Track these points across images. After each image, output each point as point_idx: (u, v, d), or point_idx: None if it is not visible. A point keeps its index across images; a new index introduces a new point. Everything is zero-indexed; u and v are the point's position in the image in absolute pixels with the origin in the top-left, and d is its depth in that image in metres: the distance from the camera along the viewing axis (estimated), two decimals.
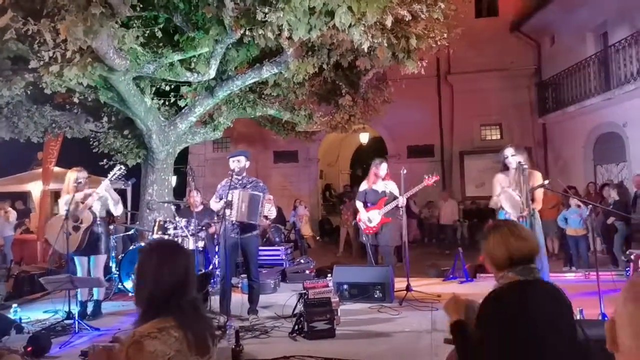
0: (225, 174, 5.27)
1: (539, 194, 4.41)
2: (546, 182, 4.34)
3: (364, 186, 6.32)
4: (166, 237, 6.28)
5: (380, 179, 6.17)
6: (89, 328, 4.62)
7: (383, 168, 6.24)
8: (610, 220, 8.19)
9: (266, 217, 5.10)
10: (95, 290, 5.29)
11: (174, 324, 1.62)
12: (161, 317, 1.64)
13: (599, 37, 12.06)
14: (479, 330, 1.90)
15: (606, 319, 4.04)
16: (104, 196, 5.24)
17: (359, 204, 6.21)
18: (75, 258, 5.26)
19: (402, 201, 5.96)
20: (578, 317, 3.78)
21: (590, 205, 5.28)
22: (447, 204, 12.54)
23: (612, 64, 10.80)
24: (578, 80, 12.09)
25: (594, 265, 7.47)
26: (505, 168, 4.58)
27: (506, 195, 4.31)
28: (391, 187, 6.12)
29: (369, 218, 6.02)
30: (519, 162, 4.21)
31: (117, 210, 5.39)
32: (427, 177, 6.04)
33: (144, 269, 1.73)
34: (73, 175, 5.24)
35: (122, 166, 5.39)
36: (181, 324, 1.62)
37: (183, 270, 1.74)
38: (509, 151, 4.52)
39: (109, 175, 5.29)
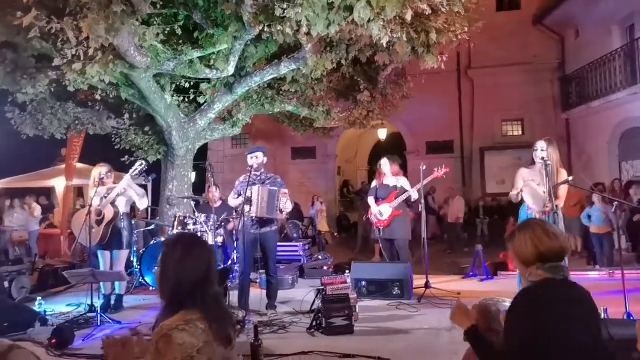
0: (244, 170, 5.29)
1: (563, 190, 4.30)
2: (570, 178, 4.23)
3: (374, 184, 6.33)
4: (186, 232, 6.36)
5: (390, 175, 6.14)
6: (111, 321, 4.70)
7: (383, 163, 6.22)
8: (637, 217, 8.00)
9: (281, 211, 5.11)
10: (117, 284, 5.38)
11: (199, 316, 1.65)
12: (186, 310, 1.67)
13: (625, 30, 11.74)
14: (508, 329, 1.87)
15: (632, 318, 3.94)
16: (126, 191, 5.31)
17: (370, 200, 6.19)
18: (99, 252, 5.35)
19: (414, 194, 5.93)
20: (603, 317, 3.70)
21: (616, 203, 5.12)
22: (454, 201, 12.26)
23: (639, 58, 10.50)
24: (603, 74, 11.79)
25: (618, 263, 7.33)
26: (532, 162, 4.49)
27: (529, 189, 4.22)
28: (402, 182, 6.11)
29: (380, 212, 6.00)
30: (543, 158, 4.11)
31: (143, 204, 5.45)
32: (436, 169, 6.00)
33: (167, 262, 1.76)
34: (97, 171, 5.35)
35: (143, 161, 5.44)
36: (205, 316, 1.66)
37: (206, 263, 1.77)
38: (540, 144, 4.40)
39: (130, 171, 5.35)
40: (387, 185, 6.14)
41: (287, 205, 5.14)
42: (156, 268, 1.91)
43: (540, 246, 1.94)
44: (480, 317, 2.52)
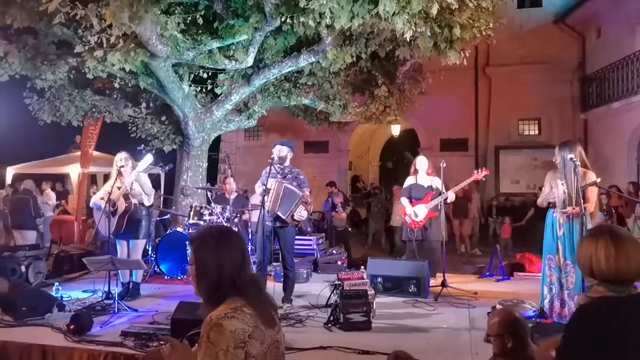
0: (256, 162, 5.26)
1: (592, 193, 4.19)
2: (598, 180, 4.14)
3: (409, 181, 6.22)
4: (201, 222, 6.36)
5: (424, 174, 6.04)
6: (127, 309, 4.71)
7: (419, 161, 6.15)
8: None
9: (293, 218, 5.00)
10: (133, 272, 5.39)
11: (244, 302, 1.68)
12: (229, 299, 1.69)
13: None
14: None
15: None
16: (136, 188, 5.24)
17: (404, 201, 6.10)
18: (117, 240, 5.36)
19: (451, 196, 5.83)
20: None
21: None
22: (474, 198, 12.14)
23: None
24: (625, 75, 11.59)
25: None
26: (555, 166, 4.40)
27: (555, 185, 4.13)
28: (436, 182, 6.00)
29: (415, 212, 5.90)
30: (571, 158, 4.02)
31: (147, 201, 5.39)
32: (476, 172, 5.88)
33: (203, 258, 1.74)
34: (116, 158, 5.32)
35: (150, 156, 5.28)
36: (249, 301, 1.68)
37: (240, 250, 1.78)
38: (555, 150, 4.31)
39: (137, 168, 5.20)
40: (422, 185, 6.04)
41: (302, 214, 5.02)
42: (187, 265, 1.89)
43: (600, 264, 1.69)
44: (509, 328, 2.46)
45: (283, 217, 4.95)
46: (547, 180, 4.40)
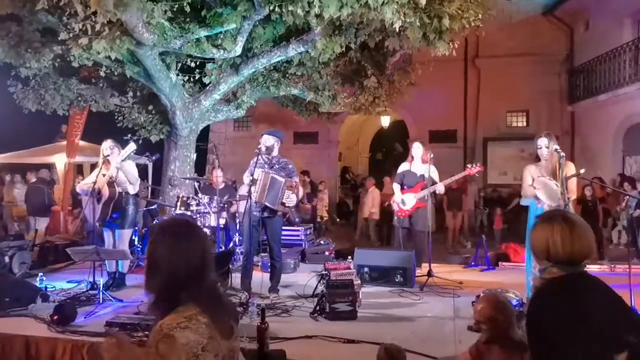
0: (246, 153, 5.24)
1: (574, 184, 4.26)
2: (582, 171, 4.18)
3: (403, 167, 6.19)
4: (188, 213, 6.33)
5: (420, 162, 6.01)
6: (112, 299, 4.69)
7: (415, 148, 6.10)
8: (637, 212, 8.01)
9: (283, 204, 4.99)
10: (119, 262, 5.36)
11: (198, 309, 1.52)
12: (183, 304, 1.53)
13: (636, 23, 11.63)
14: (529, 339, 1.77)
15: (637, 312, 3.94)
16: (121, 176, 5.19)
17: (395, 186, 6.10)
18: (104, 229, 5.32)
19: (440, 189, 5.85)
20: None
21: (627, 197, 5.08)
22: (470, 189, 12.23)
23: None
24: (612, 67, 11.70)
25: (616, 258, 7.35)
26: (538, 159, 4.42)
27: (541, 184, 4.16)
28: (432, 171, 5.94)
29: (403, 200, 5.92)
30: (556, 149, 4.05)
31: (131, 189, 5.35)
32: (469, 166, 5.90)
33: (156, 253, 1.58)
34: (102, 146, 5.27)
35: (133, 144, 5.23)
36: (205, 310, 1.53)
37: (200, 252, 1.60)
38: (542, 141, 4.33)
39: (120, 155, 5.15)
40: (415, 173, 6.04)
41: (290, 199, 5.00)
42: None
43: (556, 247, 1.78)
44: (497, 311, 2.49)
45: (273, 207, 4.94)
46: (529, 173, 4.43)
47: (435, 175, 5.95)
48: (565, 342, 1.67)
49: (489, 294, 3.33)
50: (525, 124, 14.55)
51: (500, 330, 2.47)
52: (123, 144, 5.50)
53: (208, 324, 1.50)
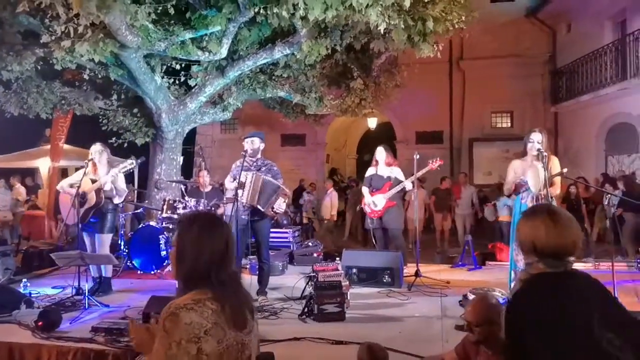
0: (233, 155, 5.22)
1: (558, 179, 4.34)
2: (565, 170, 4.26)
3: (370, 172, 6.35)
4: (175, 216, 6.28)
5: (384, 165, 6.15)
6: (98, 304, 4.64)
7: (379, 152, 6.25)
8: (619, 211, 8.14)
9: (272, 208, 5.01)
10: (102, 267, 5.29)
11: (210, 295, 1.60)
12: (199, 289, 1.62)
13: (616, 25, 11.84)
14: (507, 334, 1.77)
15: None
16: (109, 187, 5.16)
17: (364, 190, 6.24)
18: (83, 233, 5.26)
19: (408, 185, 5.96)
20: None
21: (609, 196, 5.17)
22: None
23: (630, 53, 10.61)
24: (593, 68, 11.90)
25: (600, 256, 7.47)
26: (524, 153, 4.49)
27: (533, 170, 4.22)
28: (396, 172, 6.15)
29: (374, 202, 6.05)
30: (539, 150, 4.12)
31: (117, 200, 5.32)
32: (431, 161, 6.03)
33: (184, 242, 1.69)
34: (90, 150, 5.23)
35: (133, 160, 5.25)
36: (218, 297, 1.61)
37: (224, 243, 1.70)
38: (536, 137, 4.38)
39: (120, 167, 5.15)
40: (381, 175, 6.18)
41: (280, 207, 5.05)
42: (170, 248, 1.87)
43: (541, 241, 1.78)
44: (493, 315, 2.50)
45: (262, 209, 4.93)
46: (512, 168, 4.50)
47: (400, 175, 6.10)
48: (540, 340, 1.66)
49: (481, 295, 3.34)
50: (509, 124, 14.72)
51: (492, 332, 2.48)
52: (109, 147, 5.47)
53: (216, 311, 1.57)
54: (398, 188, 5.97)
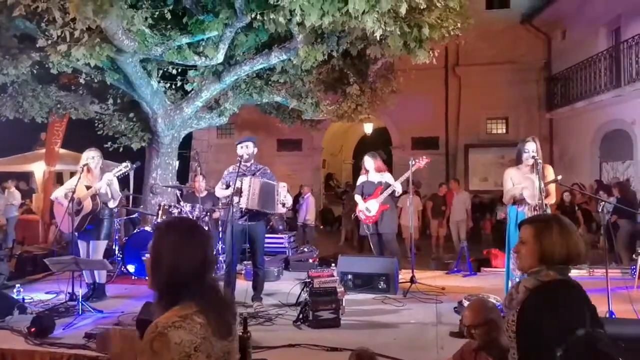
0: (229, 160, 5.22)
1: (553, 188, 4.35)
2: (559, 177, 4.28)
3: (361, 179, 6.41)
4: None
5: (374, 171, 6.21)
6: (92, 310, 4.61)
7: (366, 161, 6.30)
8: (613, 218, 8.16)
9: (283, 204, 5.06)
10: (96, 273, 5.26)
11: (196, 309, 1.53)
12: (181, 303, 1.54)
13: (611, 33, 11.92)
14: (525, 330, 1.82)
15: (614, 316, 4.01)
16: (104, 191, 5.15)
17: (357, 197, 6.26)
18: (78, 240, 5.23)
19: (398, 187, 6.02)
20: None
21: (603, 203, 5.17)
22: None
23: (624, 60, 10.68)
24: (588, 75, 11.98)
25: (594, 262, 7.49)
26: (519, 162, 4.50)
27: (529, 182, 4.24)
28: (387, 177, 6.17)
29: (367, 208, 6.08)
30: (533, 157, 4.14)
31: (112, 204, 5.30)
32: (417, 160, 6.08)
33: (160, 250, 1.60)
34: (84, 155, 5.20)
35: (129, 164, 5.26)
36: (203, 309, 1.54)
37: (203, 251, 1.62)
38: (530, 146, 4.40)
39: (114, 171, 5.16)
40: (372, 182, 6.22)
41: (287, 199, 5.10)
42: (146, 255, 1.81)
43: (570, 247, 1.88)
44: (492, 314, 2.50)
45: (273, 211, 5.00)
46: (509, 177, 4.51)
47: (391, 180, 6.14)
48: (557, 342, 1.75)
49: (477, 299, 3.34)
50: (504, 130, 14.79)
51: (491, 335, 2.46)
52: (104, 153, 5.45)
53: (203, 324, 1.51)
54: (389, 190, 6.02)
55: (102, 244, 5.31)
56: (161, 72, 7.88)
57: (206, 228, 6.67)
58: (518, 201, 4.44)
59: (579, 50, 12.34)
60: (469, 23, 6.85)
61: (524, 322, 1.83)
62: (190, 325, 1.49)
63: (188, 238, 1.62)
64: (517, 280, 4.31)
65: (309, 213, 10.80)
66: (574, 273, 6.13)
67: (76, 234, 5.10)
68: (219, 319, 1.57)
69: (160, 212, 6.37)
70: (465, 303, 4.27)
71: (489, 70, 14.11)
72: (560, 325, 1.77)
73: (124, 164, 5.21)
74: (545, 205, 4.09)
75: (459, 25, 6.16)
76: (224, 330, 1.59)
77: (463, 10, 6.35)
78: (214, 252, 1.76)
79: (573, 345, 1.74)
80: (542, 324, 1.78)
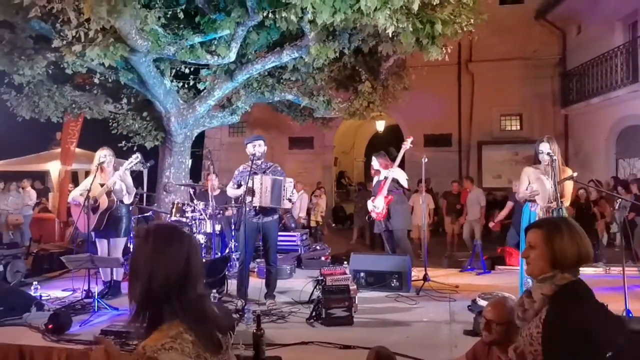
0: (241, 159, 5.24)
1: (569, 188, 4.29)
2: (575, 174, 4.22)
3: (374, 181, 6.48)
4: (183, 219, 6.31)
5: (384, 170, 6.25)
6: (108, 307, 4.66)
7: (373, 162, 6.39)
8: (630, 215, 8.04)
9: (290, 200, 5.08)
10: (114, 271, 5.33)
11: (184, 326, 1.39)
12: (167, 321, 1.40)
13: (627, 27, 11.71)
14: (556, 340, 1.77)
15: (631, 315, 3.95)
16: (118, 187, 5.20)
17: (369, 201, 6.30)
18: (97, 239, 5.30)
19: (390, 174, 6.04)
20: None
21: (620, 200, 5.09)
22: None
23: None
24: (604, 71, 11.78)
25: (610, 260, 7.39)
26: (536, 161, 4.46)
27: (540, 183, 4.20)
28: (395, 173, 6.17)
29: (375, 205, 6.11)
30: (549, 154, 4.09)
31: (127, 199, 5.37)
32: (403, 144, 6.25)
33: (137, 259, 1.46)
34: (97, 154, 5.27)
35: (138, 155, 5.31)
36: (191, 326, 1.40)
37: (183, 261, 1.45)
38: (544, 147, 4.35)
39: (125, 164, 5.22)
40: (378, 180, 6.27)
41: (294, 194, 5.14)
42: None
43: (580, 248, 1.87)
44: (508, 313, 2.47)
45: (281, 206, 5.04)
46: (526, 176, 4.46)
47: (398, 175, 6.15)
48: (607, 343, 1.76)
49: (502, 297, 3.32)
50: (518, 127, 14.62)
51: (509, 336, 2.44)
52: (118, 152, 5.51)
53: (194, 342, 1.39)
54: (389, 181, 6.04)
55: (122, 241, 5.39)
56: (174, 71, 7.92)
57: (219, 226, 6.71)
58: (531, 201, 4.40)
59: (594, 45, 12.15)
60: (482, 19, 6.79)
61: (556, 331, 1.74)
62: (181, 345, 1.36)
63: (166, 246, 1.46)
64: (529, 279, 4.29)
65: (302, 210, 10.85)
66: (590, 271, 6.08)
67: (93, 233, 5.16)
68: (207, 335, 1.44)
69: (173, 210, 6.43)
70: (480, 301, 4.24)
71: (502, 67, 13.95)
72: (606, 326, 1.77)
73: (134, 156, 5.25)
74: (561, 202, 4.04)
75: (472, 21, 6.11)
76: (215, 345, 1.46)
77: (476, 5, 6.29)
78: (201, 261, 1.57)
79: (621, 344, 1.75)
80: (590, 326, 1.73)
